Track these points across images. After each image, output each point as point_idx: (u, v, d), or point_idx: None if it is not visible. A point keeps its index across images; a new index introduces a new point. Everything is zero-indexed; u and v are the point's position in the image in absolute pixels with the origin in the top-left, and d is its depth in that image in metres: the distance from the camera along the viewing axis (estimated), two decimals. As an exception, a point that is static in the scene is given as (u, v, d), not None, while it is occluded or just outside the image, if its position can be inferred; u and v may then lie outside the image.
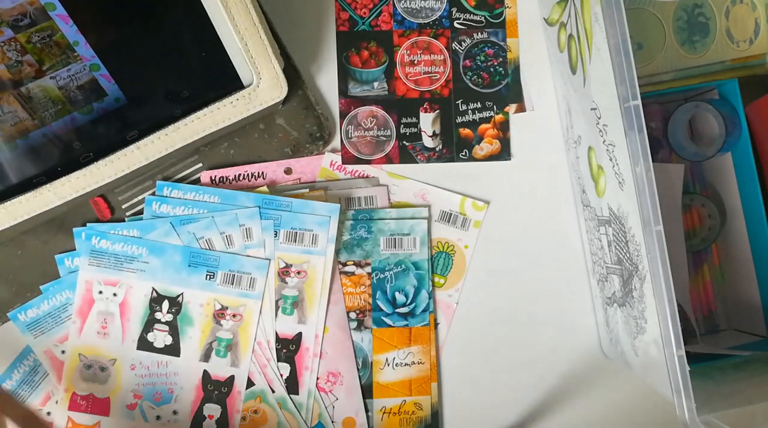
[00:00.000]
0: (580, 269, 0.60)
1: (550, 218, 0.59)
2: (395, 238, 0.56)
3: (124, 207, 0.54)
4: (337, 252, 0.56)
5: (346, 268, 0.56)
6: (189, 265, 0.53)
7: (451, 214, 0.58)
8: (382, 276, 0.56)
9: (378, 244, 0.56)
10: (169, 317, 0.53)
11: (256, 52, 0.48)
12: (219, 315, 0.53)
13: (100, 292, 0.53)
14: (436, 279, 0.58)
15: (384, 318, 0.57)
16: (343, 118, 0.58)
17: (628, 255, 0.47)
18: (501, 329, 0.59)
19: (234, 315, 0.54)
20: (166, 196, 0.54)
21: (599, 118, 0.47)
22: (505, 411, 0.59)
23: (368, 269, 0.56)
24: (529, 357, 0.59)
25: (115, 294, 0.53)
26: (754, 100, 0.56)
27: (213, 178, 0.55)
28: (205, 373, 0.54)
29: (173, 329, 0.53)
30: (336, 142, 0.58)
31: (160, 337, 0.53)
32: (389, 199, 0.57)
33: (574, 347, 0.60)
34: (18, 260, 0.54)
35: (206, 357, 0.54)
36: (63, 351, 0.53)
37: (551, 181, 0.59)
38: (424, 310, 0.57)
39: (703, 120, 0.57)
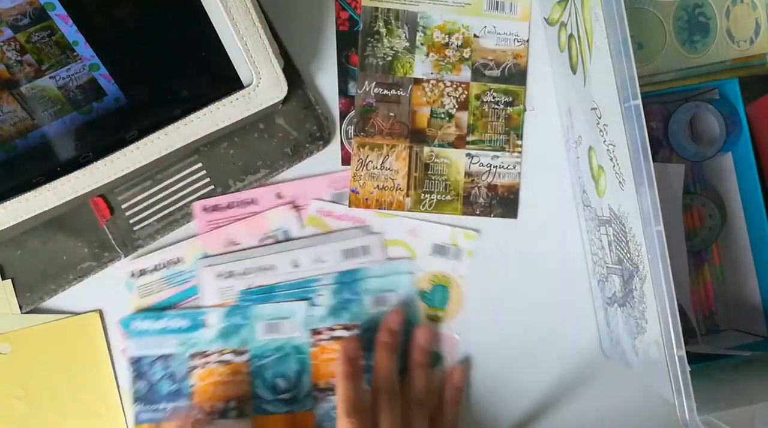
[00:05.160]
0: (581, 269, 0.60)
1: (551, 218, 0.59)
2: (275, 323, 0.55)
3: (123, 207, 0.54)
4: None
5: (224, 357, 0.54)
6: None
7: (443, 247, 0.57)
8: (261, 363, 0.54)
9: (255, 330, 0.55)
10: None
11: (255, 52, 0.47)
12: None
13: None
14: (436, 312, 0.58)
15: (265, 406, 0.54)
16: (343, 117, 0.57)
17: (628, 255, 0.47)
18: (501, 328, 0.59)
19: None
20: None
21: (599, 118, 0.47)
22: (505, 410, 0.59)
23: (246, 356, 0.54)
24: (530, 356, 0.59)
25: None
26: (755, 100, 0.56)
27: (206, 207, 0.55)
28: None
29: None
30: (335, 146, 0.57)
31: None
32: (383, 245, 0.57)
33: (574, 347, 0.60)
34: (18, 260, 0.54)
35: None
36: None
37: (551, 181, 0.59)
38: (307, 395, 0.55)
39: (703, 120, 0.57)
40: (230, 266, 0.55)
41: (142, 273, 0.55)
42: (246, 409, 0.54)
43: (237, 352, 0.54)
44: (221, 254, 0.55)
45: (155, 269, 0.55)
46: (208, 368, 0.54)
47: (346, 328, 0.55)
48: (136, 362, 0.54)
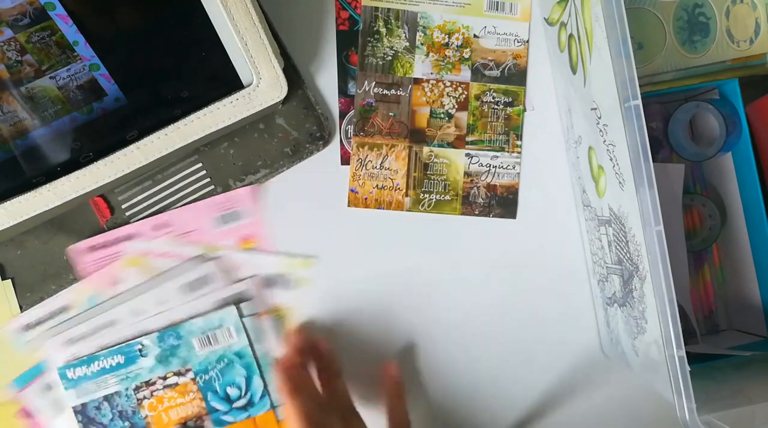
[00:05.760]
0: (581, 269, 0.60)
1: (550, 218, 0.59)
2: (207, 335, 0.54)
3: (123, 207, 0.54)
4: (152, 369, 0.54)
5: (168, 381, 0.54)
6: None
7: (275, 278, 0.56)
8: (207, 377, 0.54)
9: (192, 347, 0.55)
10: None
11: (256, 52, 0.47)
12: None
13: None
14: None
15: (223, 418, 0.55)
16: (343, 117, 0.58)
17: (628, 255, 0.47)
18: (500, 328, 0.59)
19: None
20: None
21: (599, 118, 0.47)
22: (505, 410, 0.59)
23: (191, 375, 0.54)
24: (530, 357, 0.59)
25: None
26: (755, 100, 0.56)
27: (79, 250, 0.53)
28: None
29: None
30: (335, 146, 0.57)
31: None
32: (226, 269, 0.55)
33: (574, 347, 0.60)
34: (18, 260, 0.54)
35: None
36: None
37: (551, 181, 0.59)
38: (263, 396, 0.55)
39: (703, 120, 0.57)
40: (69, 333, 0.53)
41: (29, 327, 0.54)
42: (206, 425, 0.54)
43: (180, 373, 0.54)
44: (54, 321, 0.54)
45: (38, 323, 0.53)
46: (156, 396, 0.54)
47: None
48: (80, 411, 0.53)
